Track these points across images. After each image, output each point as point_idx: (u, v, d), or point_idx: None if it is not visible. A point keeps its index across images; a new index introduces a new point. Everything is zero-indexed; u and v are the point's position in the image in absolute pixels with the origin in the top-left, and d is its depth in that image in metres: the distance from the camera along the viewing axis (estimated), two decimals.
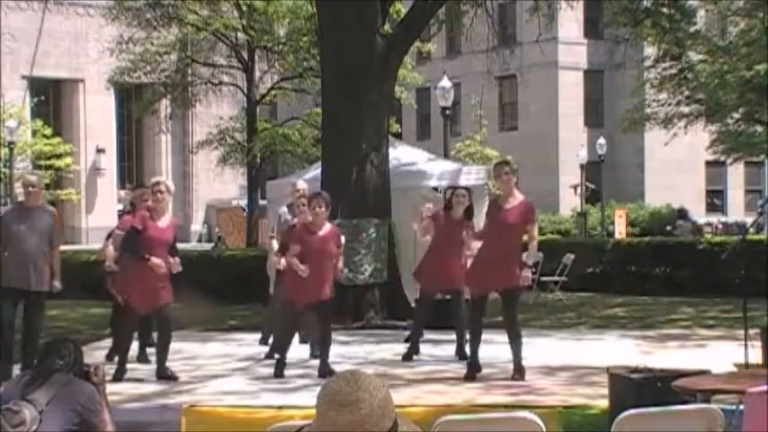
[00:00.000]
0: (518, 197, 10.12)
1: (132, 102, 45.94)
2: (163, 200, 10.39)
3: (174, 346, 12.70)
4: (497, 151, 42.88)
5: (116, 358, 10.80)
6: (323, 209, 10.35)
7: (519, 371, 10.01)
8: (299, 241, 10.37)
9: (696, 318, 15.63)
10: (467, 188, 12.14)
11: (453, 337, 12.45)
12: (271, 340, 12.03)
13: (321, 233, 10.36)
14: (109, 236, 12.11)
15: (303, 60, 32.77)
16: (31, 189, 10.76)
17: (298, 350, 12.10)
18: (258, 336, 13.13)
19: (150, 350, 11.44)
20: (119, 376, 10.22)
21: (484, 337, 12.74)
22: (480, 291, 10.20)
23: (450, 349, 11.99)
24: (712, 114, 30.85)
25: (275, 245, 11.81)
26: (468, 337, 10.79)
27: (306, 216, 10.64)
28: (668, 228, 38.17)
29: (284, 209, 12.24)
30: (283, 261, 10.83)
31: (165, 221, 10.46)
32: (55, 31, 50.33)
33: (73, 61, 50.94)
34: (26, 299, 10.59)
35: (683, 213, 34.87)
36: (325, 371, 10.13)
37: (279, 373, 10.34)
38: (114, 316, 12.00)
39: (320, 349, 10.54)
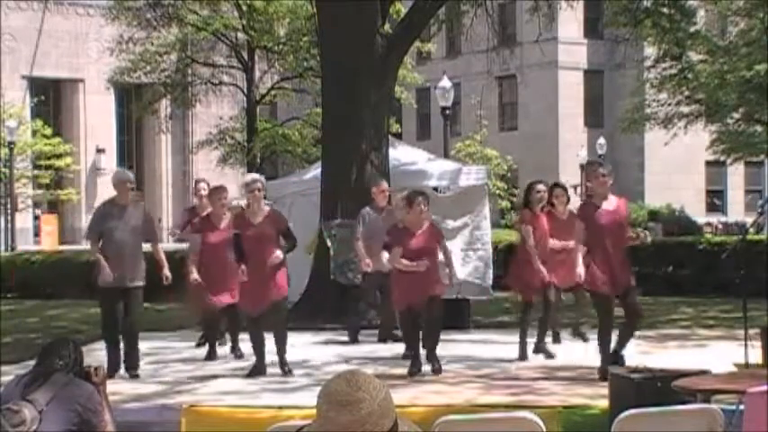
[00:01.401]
0: (612, 196, 10.18)
1: (132, 102, 45.94)
2: (258, 198, 10.40)
3: (174, 345, 12.72)
4: (497, 151, 42.91)
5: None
6: (427, 207, 10.38)
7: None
8: (400, 243, 10.33)
9: (696, 318, 15.60)
10: (541, 181, 11.87)
11: (453, 337, 12.41)
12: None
13: (421, 231, 10.33)
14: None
15: (303, 60, 32.76)
16: (128, 185, 10.86)
17: (298, 351, 12.10)
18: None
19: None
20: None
21: (485, 336, 12.77)
22: (613, 293, 10.15)
23: (451, 349, 11.97)
24: (712, 114, 30.83)
25: (362, 248, 11.95)
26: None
27: (401, 214, 10.65)
28: None
29: (367, 209, 12.48)
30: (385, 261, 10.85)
31: (259, 217, 10.37)
32: (55, 31, 50.28)
33: (73, 61, 50.89)
34: (125, 296, 10.53)
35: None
36: (436, 368, 10.19)
37: (414, 371, 10.26)
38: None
39: (426, 348, 10.36)
